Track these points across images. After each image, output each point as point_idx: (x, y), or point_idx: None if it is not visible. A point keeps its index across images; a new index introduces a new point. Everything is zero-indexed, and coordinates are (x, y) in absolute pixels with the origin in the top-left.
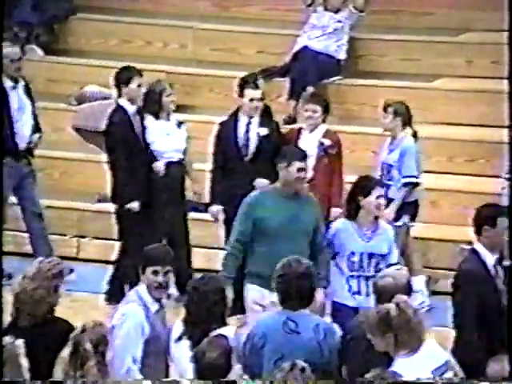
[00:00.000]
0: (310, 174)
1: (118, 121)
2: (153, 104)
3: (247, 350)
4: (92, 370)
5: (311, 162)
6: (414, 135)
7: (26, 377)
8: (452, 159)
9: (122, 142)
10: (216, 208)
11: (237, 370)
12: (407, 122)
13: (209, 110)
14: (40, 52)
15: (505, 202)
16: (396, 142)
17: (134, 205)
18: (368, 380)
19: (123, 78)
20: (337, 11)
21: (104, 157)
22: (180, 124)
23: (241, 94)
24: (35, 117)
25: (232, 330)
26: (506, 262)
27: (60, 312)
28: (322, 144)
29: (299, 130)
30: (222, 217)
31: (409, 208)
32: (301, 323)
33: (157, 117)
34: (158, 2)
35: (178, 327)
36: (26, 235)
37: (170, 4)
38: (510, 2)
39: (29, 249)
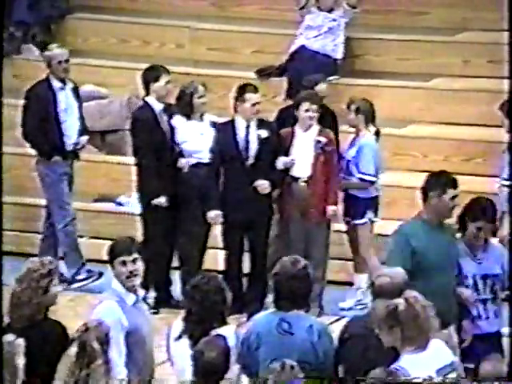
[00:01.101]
0: (308, 172)
1: (144, 118)
2: (184, 105)
3: (244, 350)
4: (99, 369)
5: (309, 160)
6: (377, 133)
7: (21, 377)
8: (448, 158)
9: (148, 139)
10: (215, 213)
11: (235, 369)
12: (370, 119)
13: (206, 109)
14: (37, 51)
15: (503, 201)
16: (357, 138)
17: (162, 200)
18: (370, 381)
19: (151, 75)
20: (330, 10)
21: (100, 156)
22: (214, 124)
23: (240, 99)
24: (82, 119)
25: (231, 329)
26: None
27: (58, 312)
28: (318, 142)
29: (293, 131)
30: (220, 221)
31: (371, 204)
32: (294, 324)
33: (188, 117)
34: (155, 1)
35: (177, 326)
36: (26, 235)
37: (167, 4)
38: (510, 2)
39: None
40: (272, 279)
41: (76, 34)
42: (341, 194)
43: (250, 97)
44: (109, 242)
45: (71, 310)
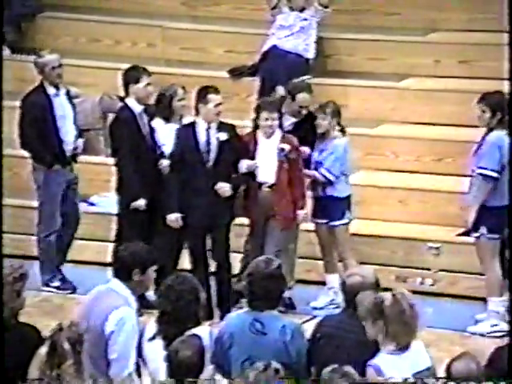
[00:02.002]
0: (272, 179)
1: (123, 119)
2: (163, 108)
3: (217, 349)
4: (69, 370)
5: (273, 167)
6: (343, 132)
7: None
8: (420, 158)
9: (127, 141)
10: (175, 216)
11: (209, 369)
12: (339, 120)
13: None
14: (7, 50)
15: (471, 200)
16: (327, 141)
17: (141, 202)
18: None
19: (132, 77)
20: (302, 10)
21: (83, 158)
22: None
23: (203, 100)
24: (76, 122)
25: (206, 329)
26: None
27: (39, 312)
28: (282, 150)
29: (255, 136)
30: (180, 224)
31: (349, 203)
32: (267, 324)
33: (167, 120)
34: (127, 0)
35: (151, 327)
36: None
37: (139, 3)
38: (510, 3)
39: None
40: (246, 279)
41: (47, 33)
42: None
43: (213, 98)
44: (80, 242)
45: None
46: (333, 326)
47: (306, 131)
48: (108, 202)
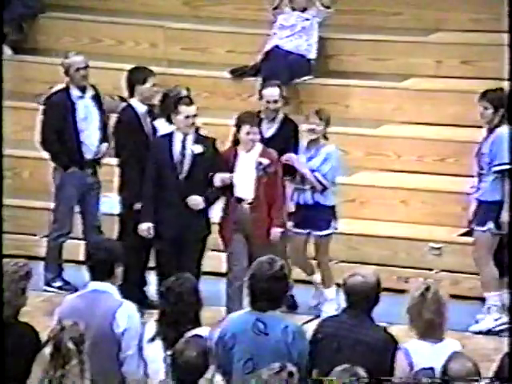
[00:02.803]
0: (251, 195)
1: (127, 120)
2: (167, 109)
3: (219, 349)
4: (74, 370)
5: (252, 183)
6: (327, 138)
7: None
8: (421, 158)
9: (131, 142)
10: (147, 225)
11: (212, 370)
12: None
13: None
14: (9, 51)
15: (472, 200)
16: (318, 146)
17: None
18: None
19: (138, 77)
20: (304, 10)
21: None
22: (197, 129)
23: (175, 111)
24: (104, 126)
25: (206, 330)
26: None
27: (30, 313)
28: (260, 164)
29: (235, 150)
30: (152, 234)
31: (334, 213)
32: (270, 324)
33: (171, 122)
34: (129, 0)
35: (151, 328)
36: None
37: (141, 3)
38: (510, 3)
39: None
40: (249, 280)
41: (49, 33)
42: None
43: (184, 109)
44: (81, 243)
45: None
46: (334, 326)
47: (287, 138)
48: (110, 202)
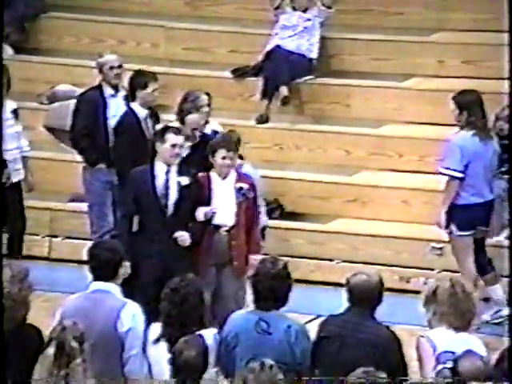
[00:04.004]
0: (231, 221)
1: (127, 124)
2: (183, 113)
3: (222, 348)
4: (78, 368)
5: (232, 208)
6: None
7: None
8: (423, 158)
9: (130, 146)
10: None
11: (212, 369)
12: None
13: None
14: (10, 51)
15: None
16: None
17: None
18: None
19: (139, 82)
20: (305, 10)
21: (76, 156)
22: (215, 133)
23: (160, 139)
24: None
25: (212, 332)
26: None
27: (33, 313)
28: (240, 189)
29: (209, 177)
30: (128, 272)
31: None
32: (272, 324)
33: (183, 124)
34: (130, 0)
35: (155, 329)
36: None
37: (142, 3)
38: (509, 3)
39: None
40: (252, 279)
41: (50, 33)
42: None
43: (172, 138)
44: (82, 242)
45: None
46: (337, 325)
47: (202, 155)
48: None
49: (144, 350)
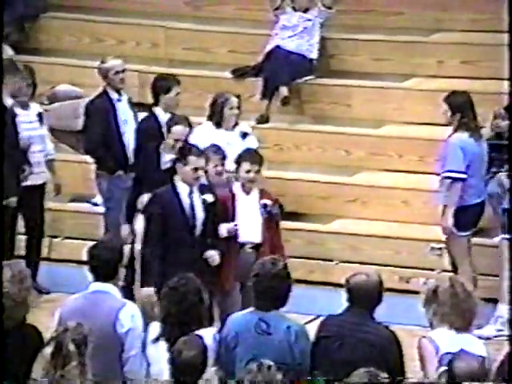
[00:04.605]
0: (258, 238)
1: (147, 129)
2: (215, 114)
3: (222, 349)
4: (74, 371)
5: (257, 225)
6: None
7: None
8: (423, 158)
9: (150, 150)
10: (149, 291)
11: (212, 370)
12: None
13: (181, 109)
14: (10, 51)
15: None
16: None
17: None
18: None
19: (163, 86)
20: (305, 10)
21: (77, 156)
22: (245, 135)
23: (183, 161)
24: None
25: (211, 331)
26: None
27: (33, 313)
28: (265, 206)
29: (232, 193)
30: (153, 300)
31: None
32: (272, 324)
33: (218, 126)
34: (130, 0)
35: (155, 328)
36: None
37: (142, 3)
38: (509, 3)
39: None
40: (252, 279)
41: (50, 33)
42: None
43: (193, 161)
44: (84, 243)
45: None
46: (337, 325)
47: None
48: None
49: (143, 349)
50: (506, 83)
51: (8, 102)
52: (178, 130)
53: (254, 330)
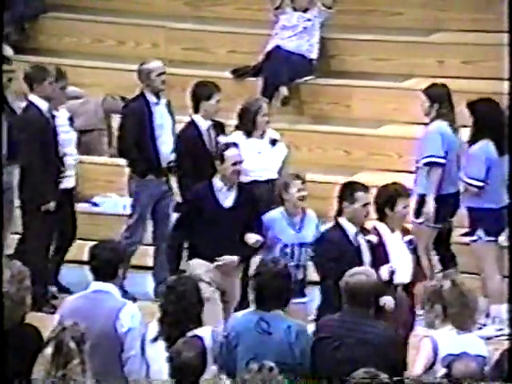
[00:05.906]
0: (407, 279)
1: (187, 137)
2: (247, 122)
3: (223, 348)
4: (76, 369)
5: (409, 265)
6: None
7: None
8: None
9: (191, 159)
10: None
11: (212, 370)
12: None
13: (181, 109)
14: (10, 51)
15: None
16: (301, 215)
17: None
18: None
19: (203, 93)
20: (305, 10)
21: (77, 157)
22: (274, 142)
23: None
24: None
25: (208, 330)
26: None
27: (32, 313)
28: (410, 242)
29: (377, 230)
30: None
31: None
32: (273, 324)
33: (249, 135)
34: (130, 1)
35: (153, 327)
36: None
37: (142, 3)
38: (509, 4)
39: None
40: (254, 279)
41: (50, 33)
42: None
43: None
44: (84, 243)
45: None
46: (336, 325)
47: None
48: (111, 202)
49: (143, 349)
50: (506, 83)
51: (43, 105)
52: (233, 154)
53: (255, 329)
